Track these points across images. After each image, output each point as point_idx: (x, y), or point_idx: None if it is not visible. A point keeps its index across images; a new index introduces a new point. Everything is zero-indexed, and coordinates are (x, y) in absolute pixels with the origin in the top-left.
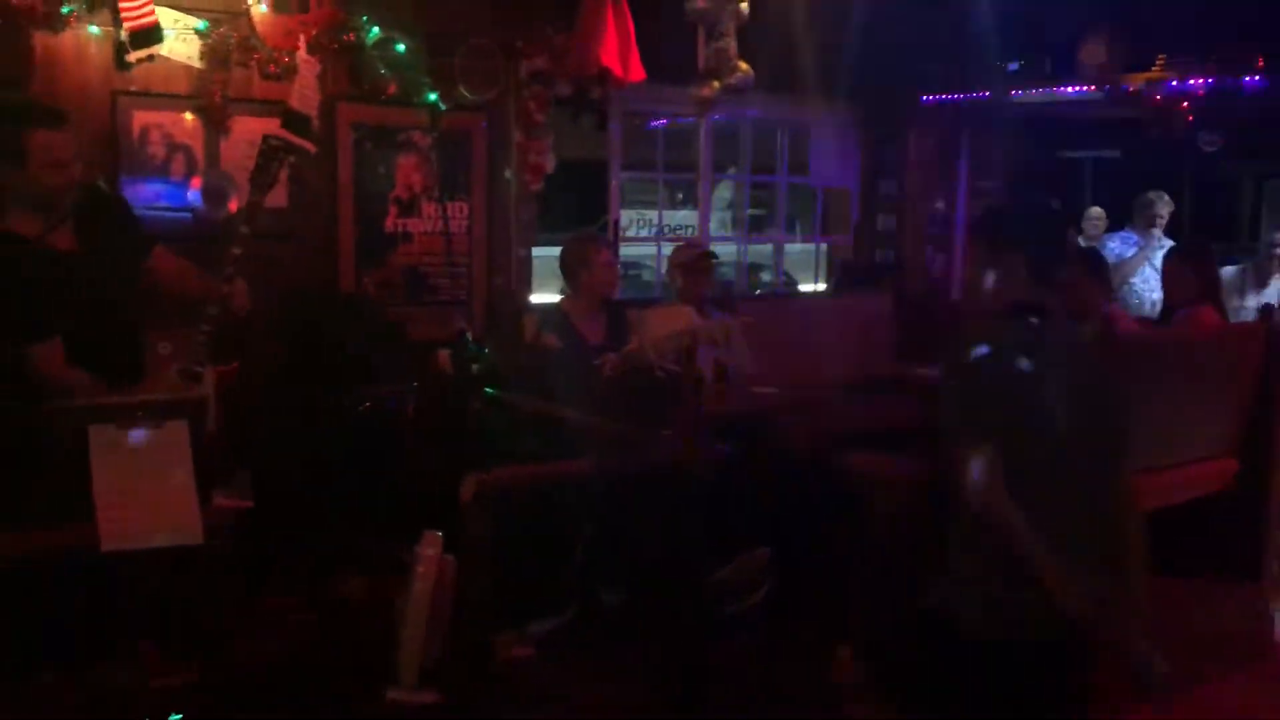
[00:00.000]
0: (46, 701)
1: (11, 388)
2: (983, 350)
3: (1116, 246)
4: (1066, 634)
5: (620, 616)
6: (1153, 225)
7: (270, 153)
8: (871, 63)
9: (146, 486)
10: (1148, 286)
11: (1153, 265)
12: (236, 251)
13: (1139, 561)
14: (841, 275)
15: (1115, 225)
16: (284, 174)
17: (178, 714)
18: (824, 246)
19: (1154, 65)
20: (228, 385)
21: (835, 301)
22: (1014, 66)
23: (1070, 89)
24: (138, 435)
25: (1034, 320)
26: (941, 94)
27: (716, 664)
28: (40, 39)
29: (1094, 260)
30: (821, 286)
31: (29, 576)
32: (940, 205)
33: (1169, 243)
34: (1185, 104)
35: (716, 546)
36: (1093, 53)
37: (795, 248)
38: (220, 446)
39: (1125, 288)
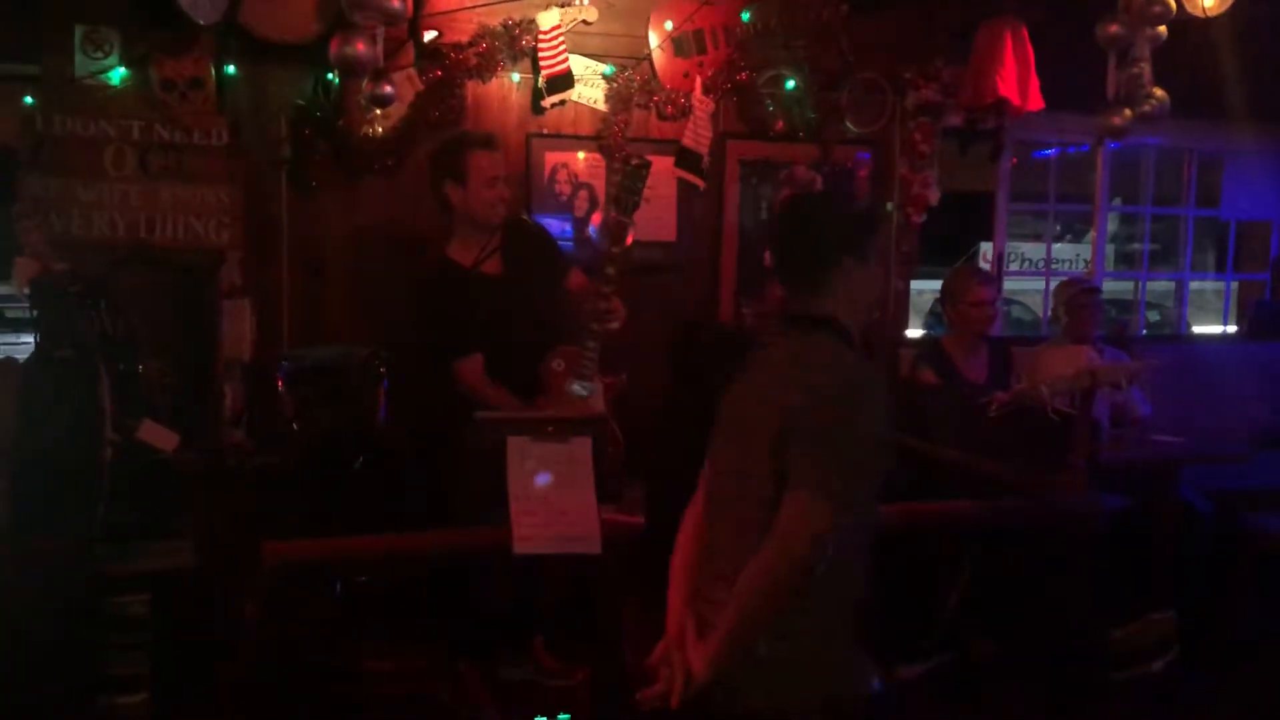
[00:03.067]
0: (461, 688)
1: (443, 399)
2: None
3: None
4: None
5: (995, 668)
6: None
7: (632, 173)
8: None
9: (554, 496)
10: None
11: None
12: (611, 271)
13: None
14: (1256, 316)
15: None
16: (670, 207)
17: (566, 714)
18: (1234, 285)
19: None
20: (617, 394)
21: (1248, 345)
22: None
23: None
24: (550, 451)
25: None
26: None
27: None
28: (471, 87)
29: None
30: (1229, 329)
31: (453, 572)
32: None
33: None
34: None
35: (1113, 604)
36: None
37: (1198, 286)
38: (615, 464)
39: None
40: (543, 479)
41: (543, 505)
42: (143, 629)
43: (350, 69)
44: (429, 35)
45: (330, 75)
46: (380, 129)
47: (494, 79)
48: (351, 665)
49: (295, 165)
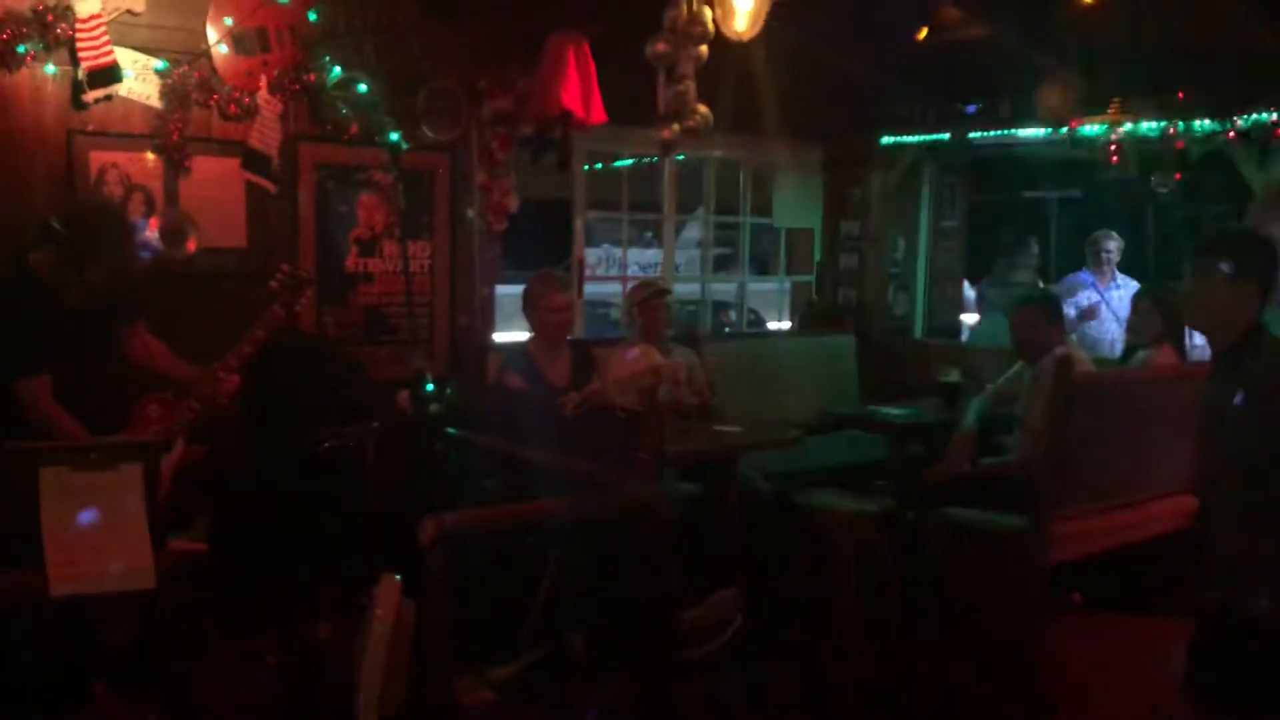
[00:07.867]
0: None
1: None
2: None
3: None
4: None
5: (585, 659)
6: (1102, 263)
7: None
8: (833, 104)
9: (98, 530)
10: (1104, 328)
11: (1108, 305)
12: (247, 350)
13: None
14: (805, 314)
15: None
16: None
17: None
18: (788, 285)
19: (1109, 108)
20: (187, 465)
21: (800, 340)
22: (972, 109)
23: (1027, 131)
24: (94, 481)
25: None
26: (902, 135)
27: (684, 707)
28: None
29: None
30: (787, 325)
31: None
32: (901, 245)
33: (1127, 281)
34: (1114, 145)
35: (684, 587)
36: (1049, 95)
37: (763, 287)
38: (177, 491)
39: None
40: (87, 516)
41: (85, 541)
42: None
43: None
44: None
45: None
46: None
47: (24, 70)
48: None
49: None
